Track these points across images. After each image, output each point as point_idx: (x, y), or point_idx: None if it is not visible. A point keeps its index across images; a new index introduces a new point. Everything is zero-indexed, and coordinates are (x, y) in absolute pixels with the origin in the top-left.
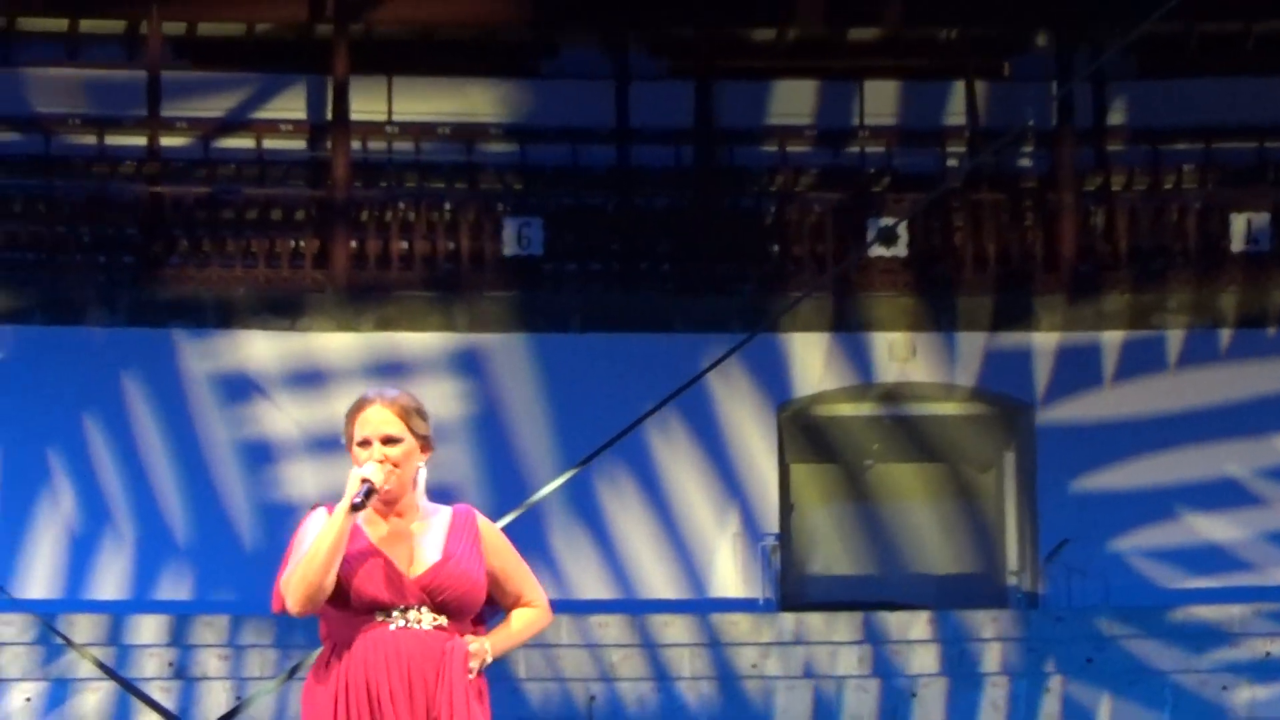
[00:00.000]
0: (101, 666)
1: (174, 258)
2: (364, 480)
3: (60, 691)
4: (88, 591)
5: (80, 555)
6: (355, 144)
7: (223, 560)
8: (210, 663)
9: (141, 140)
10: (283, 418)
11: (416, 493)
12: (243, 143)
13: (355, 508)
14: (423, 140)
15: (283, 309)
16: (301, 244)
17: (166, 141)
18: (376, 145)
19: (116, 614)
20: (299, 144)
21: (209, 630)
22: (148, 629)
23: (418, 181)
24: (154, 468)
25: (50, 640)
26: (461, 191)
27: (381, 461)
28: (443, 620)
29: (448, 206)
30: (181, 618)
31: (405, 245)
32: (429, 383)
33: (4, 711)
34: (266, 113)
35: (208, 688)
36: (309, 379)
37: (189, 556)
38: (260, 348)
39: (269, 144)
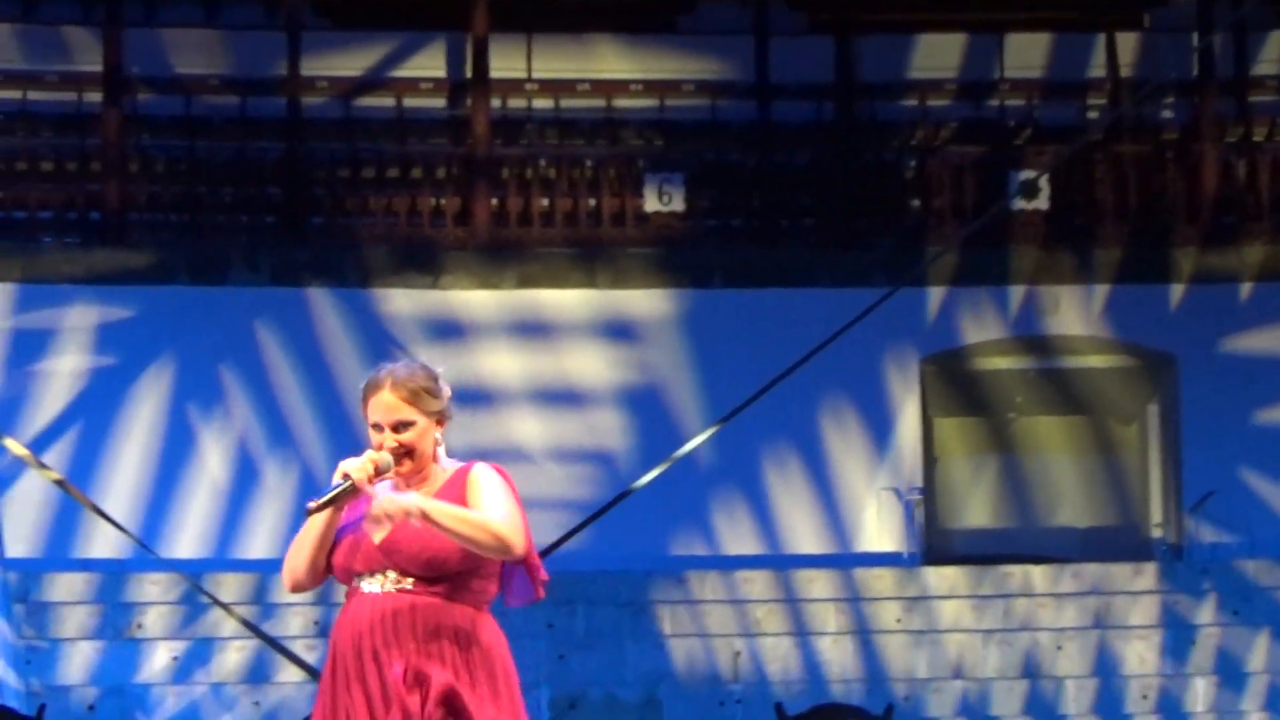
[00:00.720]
0: (247, 624)
1: (315, 217)
2: (344, 475)
3: (205, 650)
4: (233, 550)
5: (225, 514)
6: (495, 102)
7: None
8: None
9: (282, 100)
10: None
11: (439, 459)
12: (383, 101)
13: (320, 506)
14: (562, 97)
15: (424, 267)
16: (442, 202)
17: (307, 101)
18: (516, 103)
19: (262, 572)
20: (439, 102)
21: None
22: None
23: (558, 139)
24: (297, 427)
25: (195, 599)
26: (602, 148)
27: (394, 449)
28: (407, 583)
29: (588, 163)
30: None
31: (546, 202)
32: (571, 340)
33: (150, 670)
34: (406, 71)
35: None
36: (450, 336)
37: None
38: (401, 305)
39: (409, 102)
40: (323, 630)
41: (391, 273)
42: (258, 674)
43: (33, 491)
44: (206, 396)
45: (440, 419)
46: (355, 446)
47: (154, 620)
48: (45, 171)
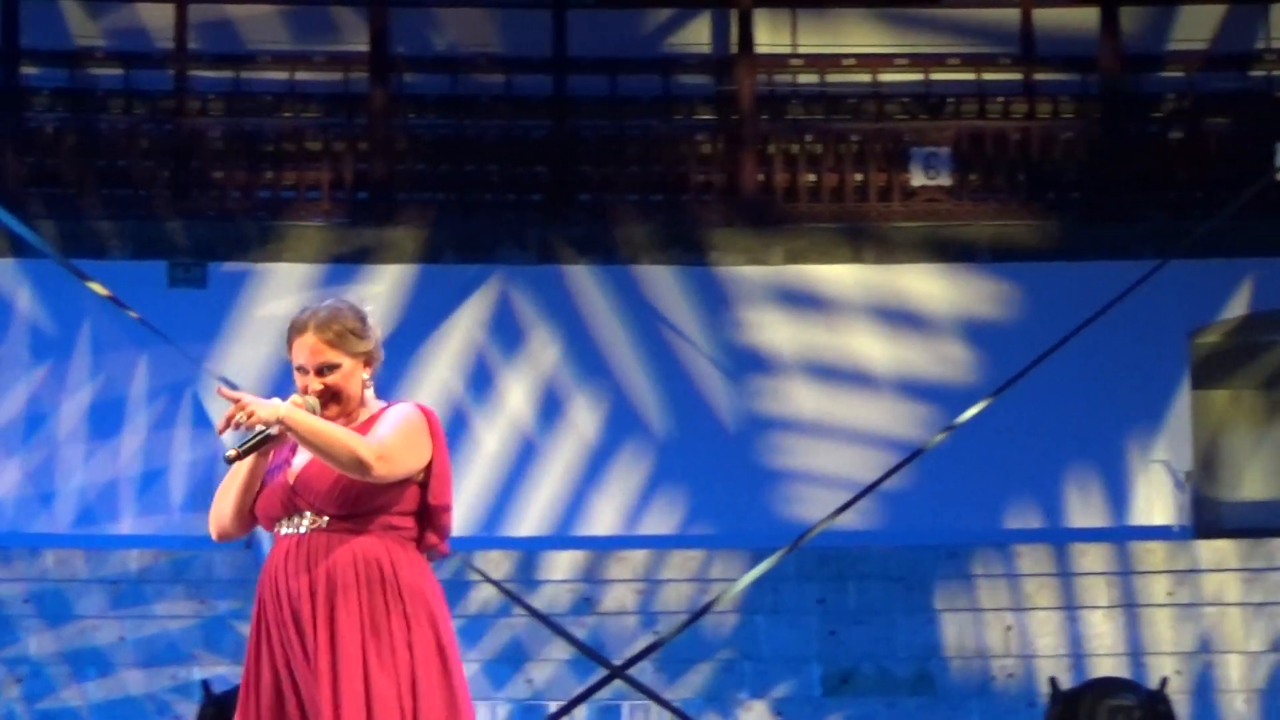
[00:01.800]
0: (518, 601)
1: (582, 194)
2: (263, 423)
3: (477, 627)
4: (501, 528)
5: (495, 492)
6: (760, 76)
7: (642, 493)
8: (626, 597)
9: (549, 78)
10: (691, 350)
11: (366, 402)
12: (648, 77)
13: (240, 455)
14: (827, 72)
15: (690, 243)
16: (708, 178)
17: (573, 78)
18: (781, 78)
19: (529, 550)
20: (704, 78)
21: (623, 565)
22: (562, 564)
23: (823, 113)
24: (565, 404)
25: (466, 576)
26: (868, 123)
27: (320, 391)
28: (322, 522)
29: (854, 138)
30: (597, 553)
31: (812, 178)
32: (840, 314)
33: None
34: (671, 47)
35: (622, 623)
36: (718, 312)
37: (607, 491)
38: (667, 282)
39: (675, 78)
40: (593, 608)
41: (657, 249)
42: (529, 651)
43: None
44: (475, 374)
45: (368, 360)
46: (629, 423)
47: None
48: (313, 151)
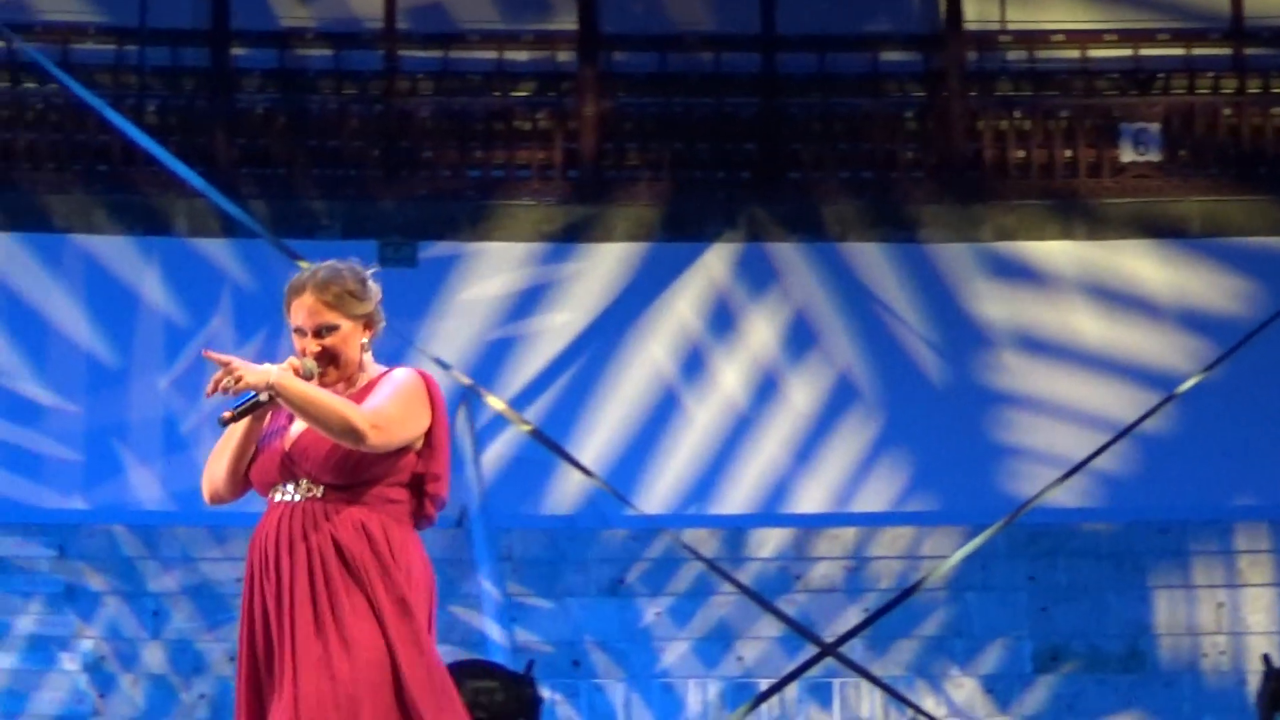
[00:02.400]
0: (730, 579)
1: (791, 172)
2: (252, 388)
3: (688, 605)
4: (710, 505)
5: (704, 469)
6: (969, 53)
7: (854, 470)
8: (835, 575)
9: (757, 55)
10: (901, 327)
11: (365, 365)
12: (857, 54)
13: (234, 417)
14: (1036, 48)
15: (899, 220)
16: (916, 155)
17: (781, 56)
18: (990, 54)
19: (737, 528)
20: (912, 55)
21: (833, 543)
22: (771, 541)
23: (1032, 89)
24: (777, 381)
25: (677, 554)
26: (1077, 99)
27: (317, 354)
28: (318, 490)
29: (1063, 114)
30: (806, 530)
31: (1022, 154)
32: (1053, 290)
33: (634, 626)
34: (877, 25)
35: (831, 600)
36: (930, 289)
37: (817, 468)
38: (877, 259)
39: (883, 55)
40: (801, 584)
41: (866, 226)
42: (739, 629)
43: (510, 449)
44: (685, 352)
45: (368, 323)
46: (841, 400)
47: (636, 576)
48: (522, 130)
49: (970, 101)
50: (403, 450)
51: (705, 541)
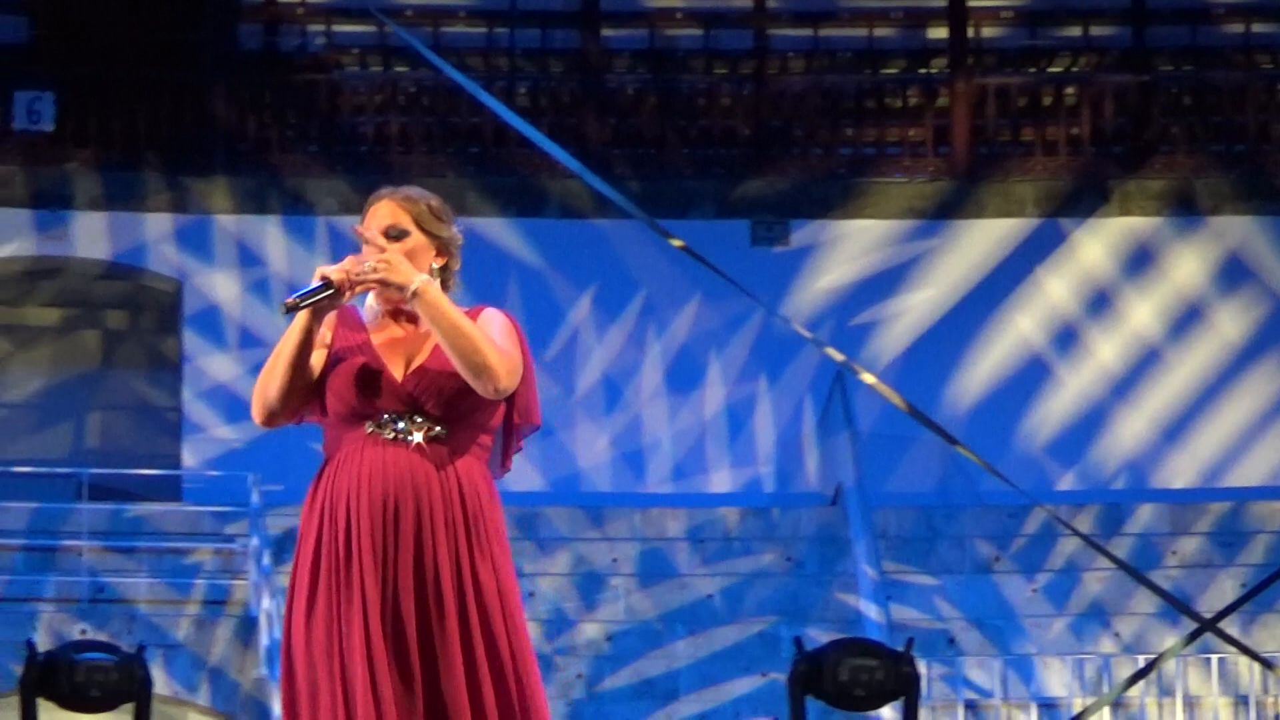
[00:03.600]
0: (1105, 553)
1: (1163, 146)
2: (321, 276)
3: (1065, 582)
4: (1084, 481)
5: (1076, 445)
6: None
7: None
8: (1209, 550)
9: (1129, 30)
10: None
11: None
12: (1225, 27)
13: (294, 306)
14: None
15: (1273, 194)
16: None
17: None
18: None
19: (1118, 502)
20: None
21: (1206, 518)
22: (1144, 516)
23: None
24: (1156, 357)
25: (1051, 530)
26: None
27: (381, 251)
28: (441, 431)
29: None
30: (1179, 505)
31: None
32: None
33: (1011, 602)
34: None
35: (1206, 575)
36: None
37: (1191, 444)
38: (1251, 233)
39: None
40: (1181, 561)
41: (1240, 200)
42: (1116, 605)
43: (879, 425)
44: (1057, 327)
45: (441, 249)
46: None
47: (1012, 553)
48: (893, 108)
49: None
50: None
51: (1081, 517)
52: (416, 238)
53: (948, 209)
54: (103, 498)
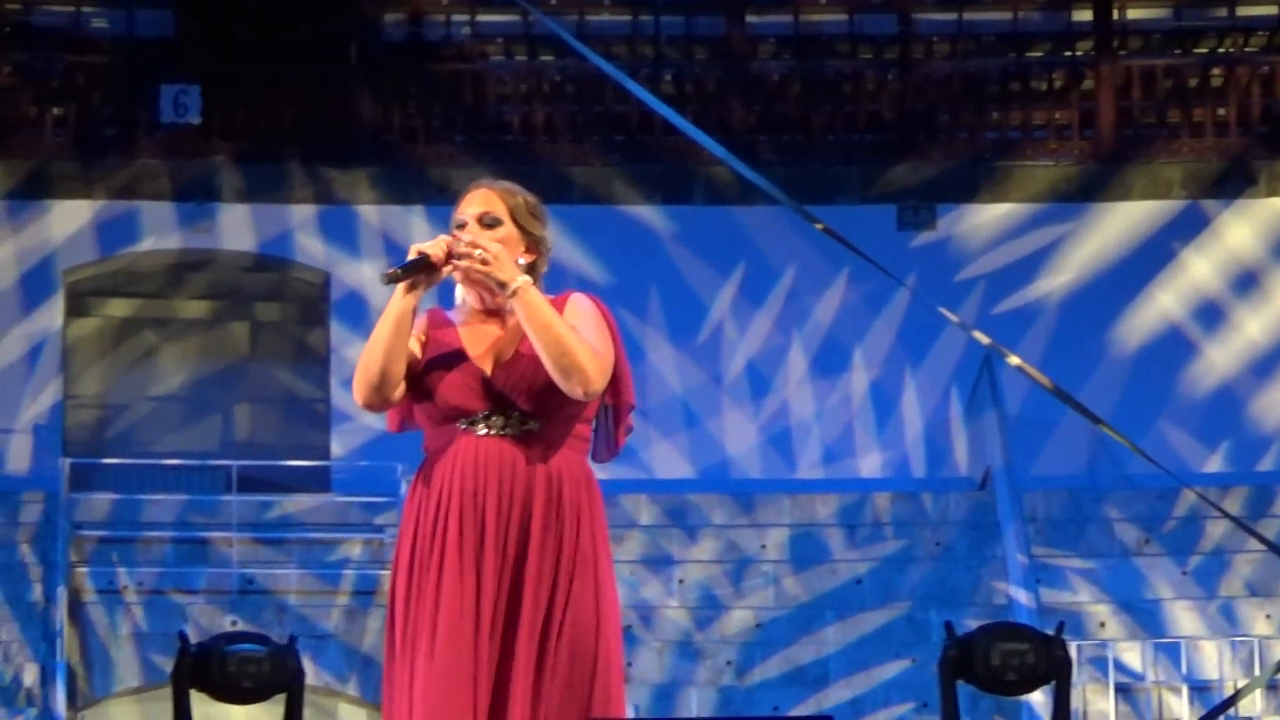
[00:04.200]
0: (1255, 535)
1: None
2: (418, 252)
3: (1215, 565)
4: (1230, 463)
5: (1228, 425)
6: None
7: None
8: None
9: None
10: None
11: None
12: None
13: (394, 276)
14: None
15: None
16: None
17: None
18: None
19: (1266, 484)
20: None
21: None
22: None
23: None
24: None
25: (1201, 513)
26: None
27: (470, 239)
28: (533, 425)
29: None
30: None
31: None
32: None
33: (1160, 586)
34: None
35: None
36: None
37: None
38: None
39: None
40: None
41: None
42: (1268, 586)
43: (1027, 408)
44: (1203, 308)
45: (530, 245)
46: None
47: (1162, 535)
48: (1038, 91)
49: None
50: None
51: (1224, 499)
52: (509, 229)
53: (1093, 192)
54: (251, 489)
